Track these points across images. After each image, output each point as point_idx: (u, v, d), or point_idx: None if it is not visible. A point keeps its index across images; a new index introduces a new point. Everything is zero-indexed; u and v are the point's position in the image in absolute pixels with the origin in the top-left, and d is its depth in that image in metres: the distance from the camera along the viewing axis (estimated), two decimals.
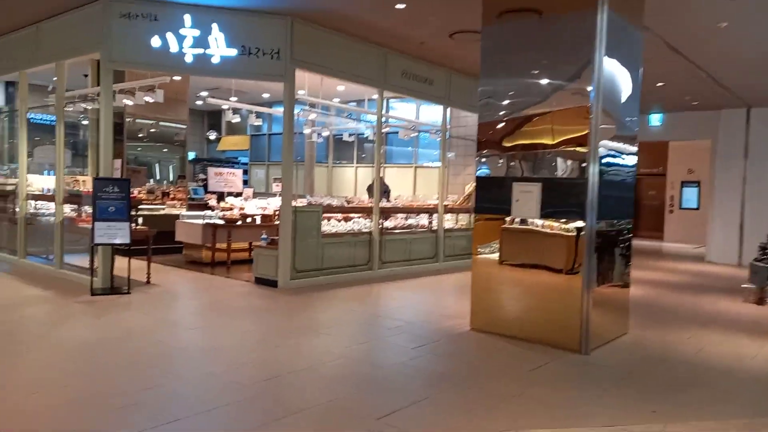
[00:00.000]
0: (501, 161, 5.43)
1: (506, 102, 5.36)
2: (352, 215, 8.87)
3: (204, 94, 13.51)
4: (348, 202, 8.81)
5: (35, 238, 8.42)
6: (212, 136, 15.54)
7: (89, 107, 8.65)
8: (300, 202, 7.93)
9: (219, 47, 7.05)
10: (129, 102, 8.19)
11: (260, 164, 16.00)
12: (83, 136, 11.64)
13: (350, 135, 12.12)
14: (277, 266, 7.41)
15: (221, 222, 8.96)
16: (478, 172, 5.62)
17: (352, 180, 14.05)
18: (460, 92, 10.09)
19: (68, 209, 7.93)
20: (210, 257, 9.09)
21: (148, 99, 7.87)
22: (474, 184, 11.84)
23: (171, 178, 12.94)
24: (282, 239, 7.42)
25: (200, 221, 9.14)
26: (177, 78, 10.95)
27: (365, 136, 11.82)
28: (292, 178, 7.63)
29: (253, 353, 4.61)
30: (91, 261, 6.83)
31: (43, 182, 8.96)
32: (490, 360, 4.76)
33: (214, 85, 12.29)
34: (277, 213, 8.90)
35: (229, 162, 15.83)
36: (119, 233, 6.65)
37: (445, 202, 10.12)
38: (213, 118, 17.14)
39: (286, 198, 7.47)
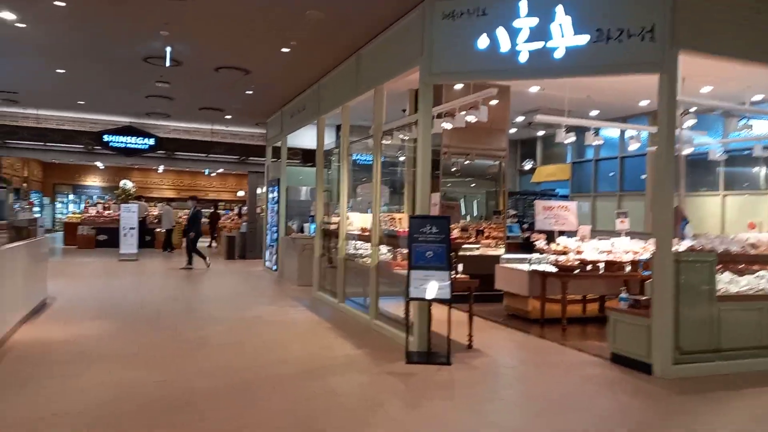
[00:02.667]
0: None
1: None
2: (754, 266, 5.83)
3: (519, 119, 11.98)
4: (753, 246, 5.77)
5: (354, 280, 7.84)
6: (527, 166, 13.84)
7: (406, 138, 7.81)
8: (676, 246, 5.35)
9: (564, 36, 5.18)
10: (448, 126, 6.99)
11: (584, 196, 13.54)
12: (400, 173, 11.27)
13: (720, 153, 8.86)
14: (649, 342, 4.99)
15: (553, 269, 6.98)
16: None
17: (717, 214, 10.44)
18: None
19: (384, 250, 7.03)
20: (539, 312, 7.18)
21: (471, 119, 6.49)
22: None
23: (483, 215, 11.67)
24: (657, 302, 4.98)
25: (525, 267, 7.35)
26: (493, 102, 9.59)
27: (740, 153, 8.51)
28: (670, 212, 5.17)
29: None
30: (407, 316, 5.62)
31: (363, 221, 8.44)
32: None
33: (534, 106, 10.58)
34: (637, 260, 6.52)
35: (545, 194, 13.83)
36: (438, 286, 5.28)
37: None
38: (526, 147, 15.52)
39: (663, 242, 5.03)
